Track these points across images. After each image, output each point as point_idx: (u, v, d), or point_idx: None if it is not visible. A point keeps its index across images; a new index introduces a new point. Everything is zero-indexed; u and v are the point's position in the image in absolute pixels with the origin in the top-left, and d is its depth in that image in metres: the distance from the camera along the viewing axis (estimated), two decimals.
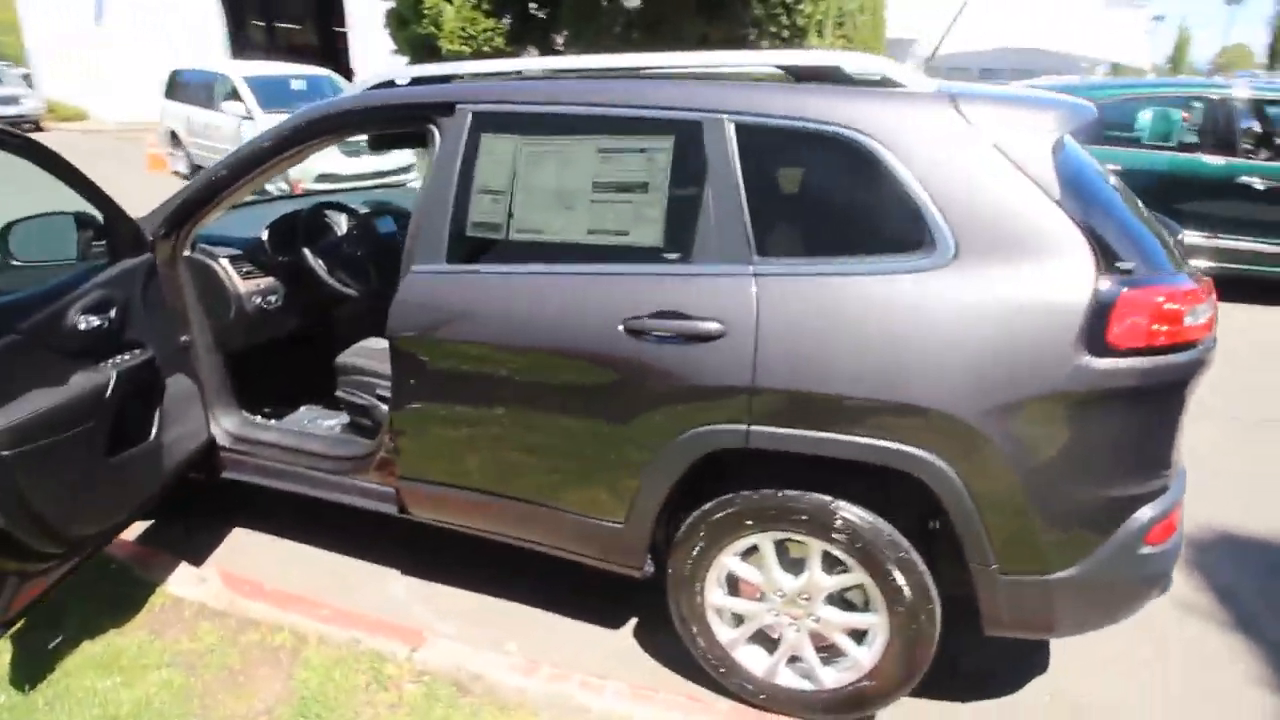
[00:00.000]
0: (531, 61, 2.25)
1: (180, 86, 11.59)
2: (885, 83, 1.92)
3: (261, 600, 2.39)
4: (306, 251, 2.77)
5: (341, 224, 2.93)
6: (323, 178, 9.52)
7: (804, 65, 1.99)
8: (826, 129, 1.82)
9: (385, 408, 2.63)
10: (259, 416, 2.86)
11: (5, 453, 1.80)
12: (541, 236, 2.06)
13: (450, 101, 2.15)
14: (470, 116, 2.12)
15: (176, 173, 11.45)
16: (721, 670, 2.13)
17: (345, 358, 2.74)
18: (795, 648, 2.05)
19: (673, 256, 1.92)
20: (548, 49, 11.11)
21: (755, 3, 9.21)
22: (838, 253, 1.81)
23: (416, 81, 2.36)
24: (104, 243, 2.33)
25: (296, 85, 10.74)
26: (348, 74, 16.00)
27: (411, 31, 10.82)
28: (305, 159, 2.51)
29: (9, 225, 2.19)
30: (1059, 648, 2.35)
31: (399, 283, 2.20)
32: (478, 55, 10.56)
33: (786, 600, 2.01)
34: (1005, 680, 2.24)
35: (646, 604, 2.49)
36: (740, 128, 1.87)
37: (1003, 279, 1.70)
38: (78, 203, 2.25)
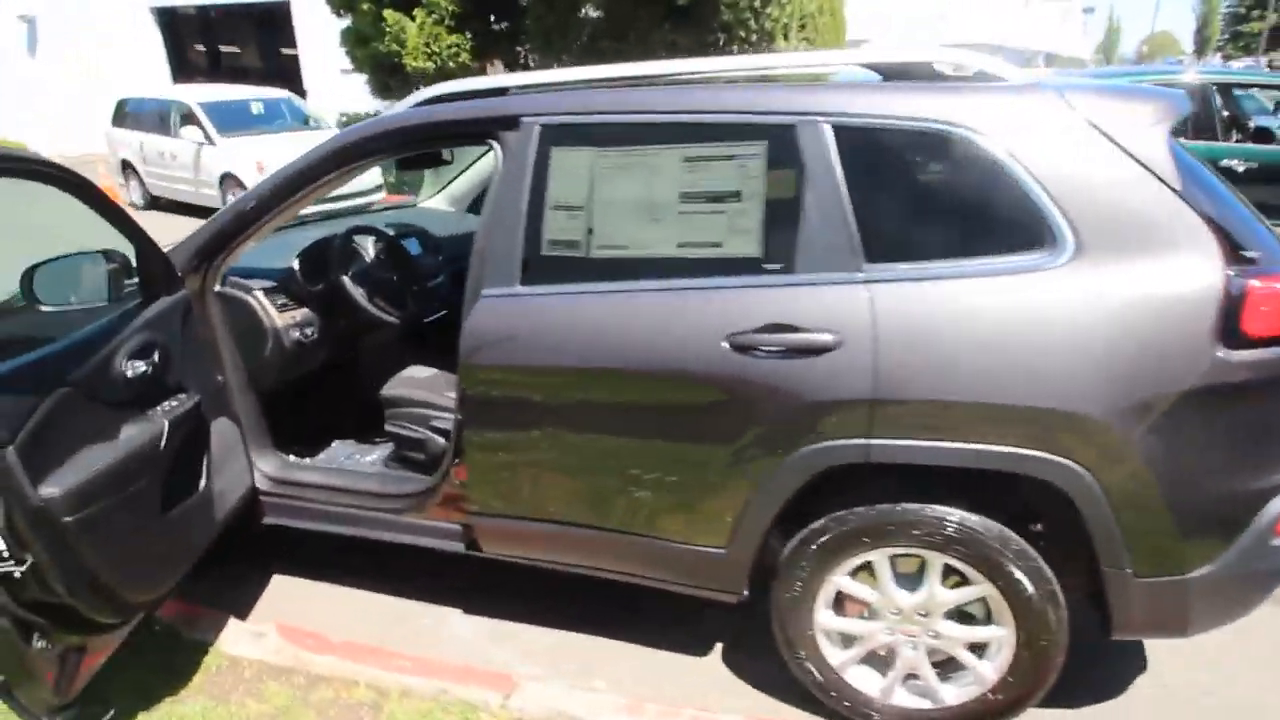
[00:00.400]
0: (588, 71, 2.14)
1: (129, 115, 11.16)
2: (981, 77, 1.87)
3: (329, 653, 2.23)
4: (346, 279, 2.61)
5: (369, 248, 2.78)
6: None
7: (892, 63, 1.93)
8: (931, 127, 1.76)
9: (442, 440, 2.50)
10: (292, 456, 2.69)
11: (67, 519, 1.63)
12: (626, 252, 1.96)
13: (514, 115, 2.04)
14: (538, 129, 2.01)
15: (131, 204, 11.00)
16: (832, 694, 2.04)
17: (393, 389, 2.59)
18: (912, 666, 1.98)
19: (774, 267, 1.84)
20: (514, 62, 10.99)
21: (724, 8, 9.22)
22: (951, 255, 1.75)
23: (431, 101, 2.25)
24: (135, 281, 2.16)
25: (255, 109, 10.42)
26: (301, 96, 15.66)
27: (373, 49, 10.61)
28: (343, 184, 2.37)
29: (33, 268, 2.01)
30: (1153, 643, 2.32)
31: (465, 308, 2.08)
32: (442, 71, 10.39)
33: (903, 617, 1.94)
34: (1108, 678, 2.20)
35: (728, 627, 2.40)
36: (839, 130, 1.80)
37: (1128, 275, 1.65)
38: (81, 237, 2.09)
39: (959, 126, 1.74)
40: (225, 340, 2.42)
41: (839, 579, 1.95)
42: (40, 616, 1.66)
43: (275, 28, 20.43)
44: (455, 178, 3.75)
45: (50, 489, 1.60)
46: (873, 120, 1.80)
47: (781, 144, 1.83)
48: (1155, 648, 2.29)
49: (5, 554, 1.55)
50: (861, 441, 1.76)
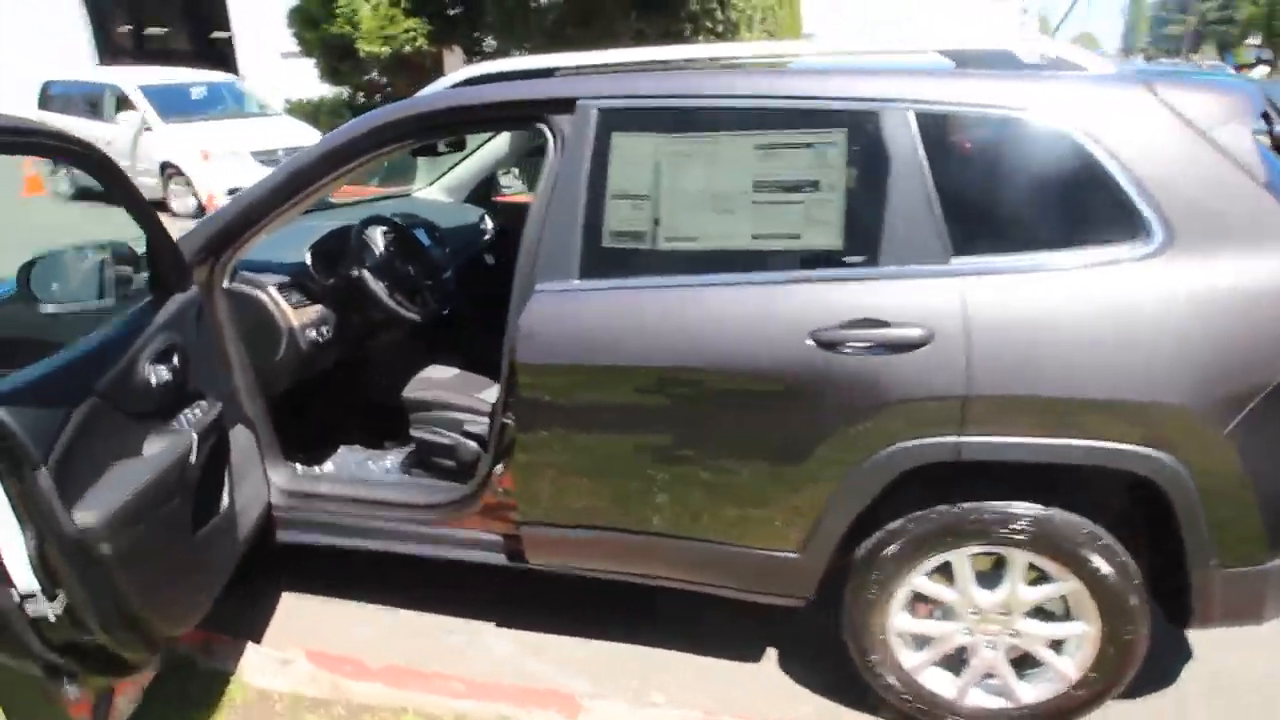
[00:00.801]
0: (645, 51, 2.03)
1: (56, 98, 10.45)
2: (1060, 65, 1.83)
3: (369, 680, 2.07)
4: (367, 274, 2.43)
5: (378, 240, 2.60)
6: (235, 191, 8.80)
7: (971, 51, 1.87)
8: (1019, 116, 1.70)
9: (474, 445, 2.36)
10: (299, 466, 2.51)
11: (105, 548, 1.44)
12: (696, 244, 1.85)
13: (569, 97, 1.91)
14: (596, 113, 1.88)
15: (57, 193, 10.32)
16: (906, 698, 1.99)
17: (418, 392, 2.43)
18: (989, 666, 1.94)
19: (857, 260, 1.76)
20: (473, 49, 10.71)
21: None
22: (1040, 246, 1.70)
23: (470, 82, 2.10)
24: (143, 277, 1.95)
25: (197, 93, 9.89)
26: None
27: (324, 31, 10.18)
28: (366, 171, 2.19)
29: (30, 263, 1.80)
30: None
31: (515, 304, 1.95)
32: (398, 55, 10.05)
33: (982, 617, 1.89)
34: (1157, 666, 2.20)
35: (778, 632, 2.33)
36: (923, 117, 1.73)
37: (1219, 266, 1.63)
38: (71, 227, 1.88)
39: (1045, 115, 1.69)
40: (234, 341, 2.23)
41: (917, 580, 1.89)
42: (69, 658, 1.48)
43: (206, 8, 19.49)
44: (452, 167, 3.57)
45: (85, 515, 1.41)
46: (957, 107, 1.74)
47: (862, 131, 1.76)
48: (1200, 634, 2.31)
49: (38, 591, 1.36)
50: (953, 439, 1.70)
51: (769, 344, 1.76)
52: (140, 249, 1.98)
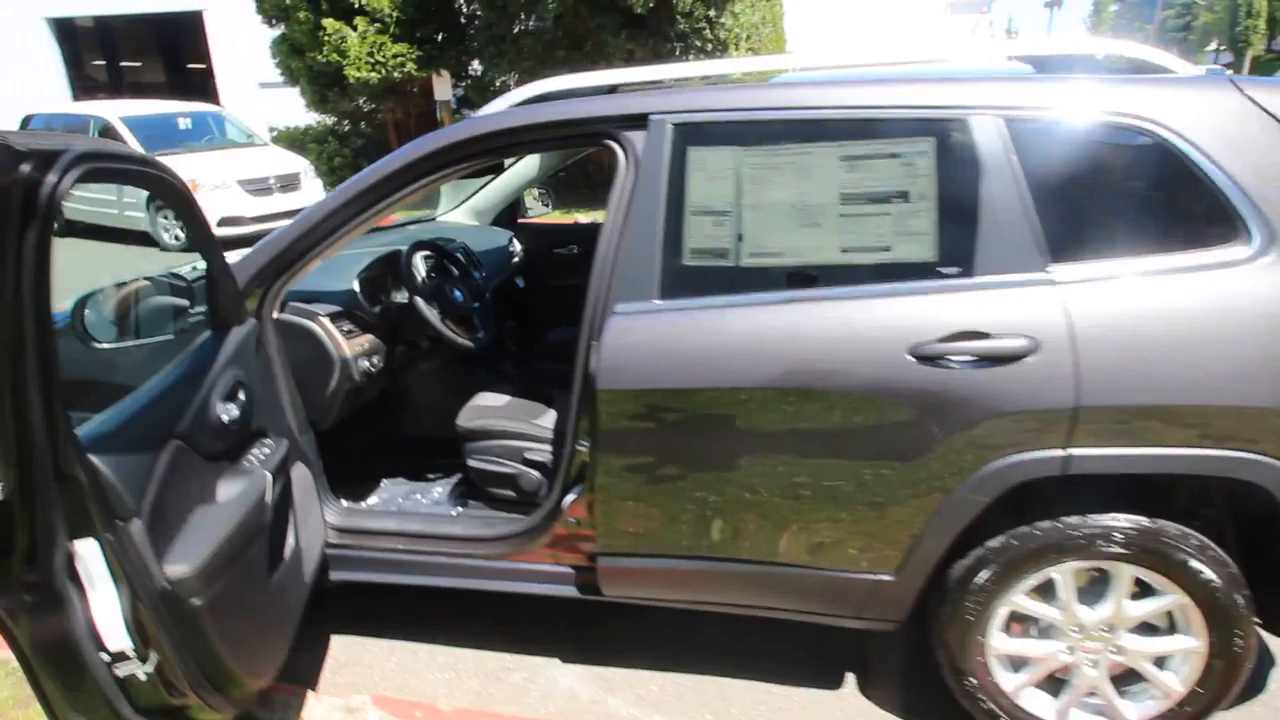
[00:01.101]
0: (710, 66, 1.99)
1: None
2: (1146, 69, 1.81)
3: None
4: (420, 300, 2.35)
5: (420, 265, 2.53)
6: (226, 221, 8.69)
7: (1049, 56, 1.85)
8: (1110, 120, 1.68)
9: (536, 474, 2.29)
10: (344, 501, 2.42)
11: (196, 602, 1.35)
12: (782, 260, 1.80)
13: (640, 113, 1.86)
14: (671, 129, 1.83)
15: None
16: None
17: (474, 420, 2.35)
18: (1091, 685, 1.88)
19: (952, 270, 1.72)
20: (461, 73, 10.69)
21: (680, 18, 9.18)
22: (1139, 252, 1.67)
23: (531, 101, 2.05)
24: (198, 310, 1.87)
25: (183, 124, 9.76)
26: None
27: (310, 59, 10.11)
28: (424, 195, 2.13)
29: (83, 299, 1.71)
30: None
31: (588, 327, 1.89)
32: (387, 81, 10.00)
33: (1085, 634, 1.84)
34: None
35: (853, 656, 2.27)
36: (1013, 124, 1.70)
37: None
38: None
39: (1138, 119, 1.67)
40: (285, 373, 2.14)
41: (1018, 598, 1.83)
42: None
43: (182, 40, 19.37)
44: (478, 190, 3.51)
45: (176, 567, 1.32)
46: (1046, 113, 1.71)
47: (951, 140, 1.72)
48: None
49: (130, 650, 1.26)
50: (1060, 453, 1.66)
51: (865, 360, 1.71)
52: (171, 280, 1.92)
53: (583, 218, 8.38)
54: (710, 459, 1.83)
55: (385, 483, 2.71)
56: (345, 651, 2.39)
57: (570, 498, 2.02)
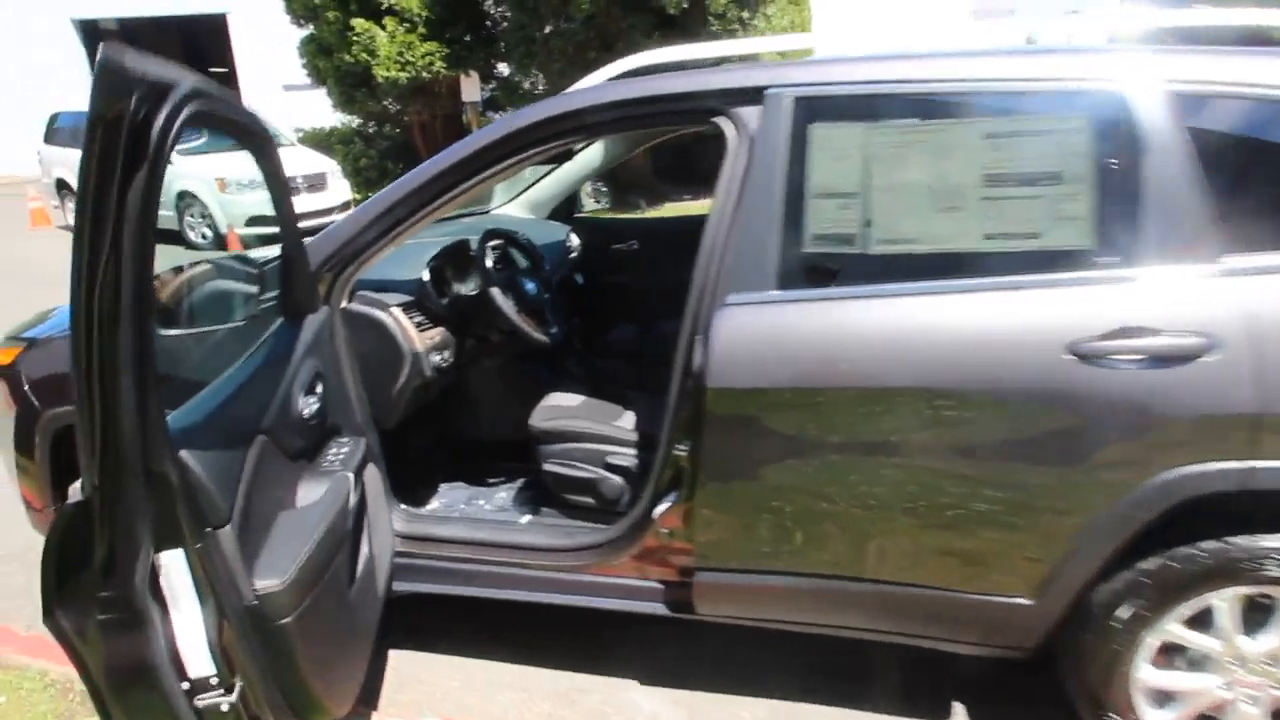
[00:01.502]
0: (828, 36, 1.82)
1: (65, 130, 10.24)
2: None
3: None
4: (495, 291, 2.19)
5: (501, 255, 2.37)
6: (253, 221, 8.59)
7: (1226, 28, 1.68)
8: None
9: (618, 480, 2.12)
10: (404, 506, 2.25)
11: (285, 621, 1.18)
12: (916, 247, 1.63)
13: (756, 86, 1.70)
14: (790, 103, 1.67)
15: (65, 227, 10.07)
16: None
17: (549, 422, 2.18)
18: None
19: (1112, 260, 1.54)
20: (489, 73, 10.58)
21: (712, 19, 9.04)
22: None
23: (631, 74, 1.90)
24: (269, 294, 1.71)
25: None
26: None
27: (338, 60, 10.02)
28: (507, 178, 1.97)
29: None
30: None
31: (694, 320, 1.72)
32: (416, 81, 9.91)
33: (1246, 668, 1.65)
34: None
35: (956, 683, 2.08)
36: (1185, 99, 1.52)
37: None
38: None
39: None
40: (352, 368, 1.98)
41: (1171, 627, 1.65)
42: None
43: (205, 43, 19.42)
44: (535, 182, 3.35)
45: (266, 581, 1.16)
46: (1224, 88, 1.53)
47: (1112, 116, 1.55)
48: None
49: (214, 679, 1.10)
50: (1241, 465, 1.47)
51: (1016, 359, 1.53)
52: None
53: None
54: (832, 466, 1.66)
55: (444, 486, 2.55)
56: (406, 668, 2.22)
57: (663, 506, 1.84)
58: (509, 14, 9.62)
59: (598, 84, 1.87)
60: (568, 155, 2.98)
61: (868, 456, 1.63)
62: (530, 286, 2.38)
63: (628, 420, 2.21)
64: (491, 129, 1.87)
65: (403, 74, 9.58)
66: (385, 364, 2.04)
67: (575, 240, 3.30)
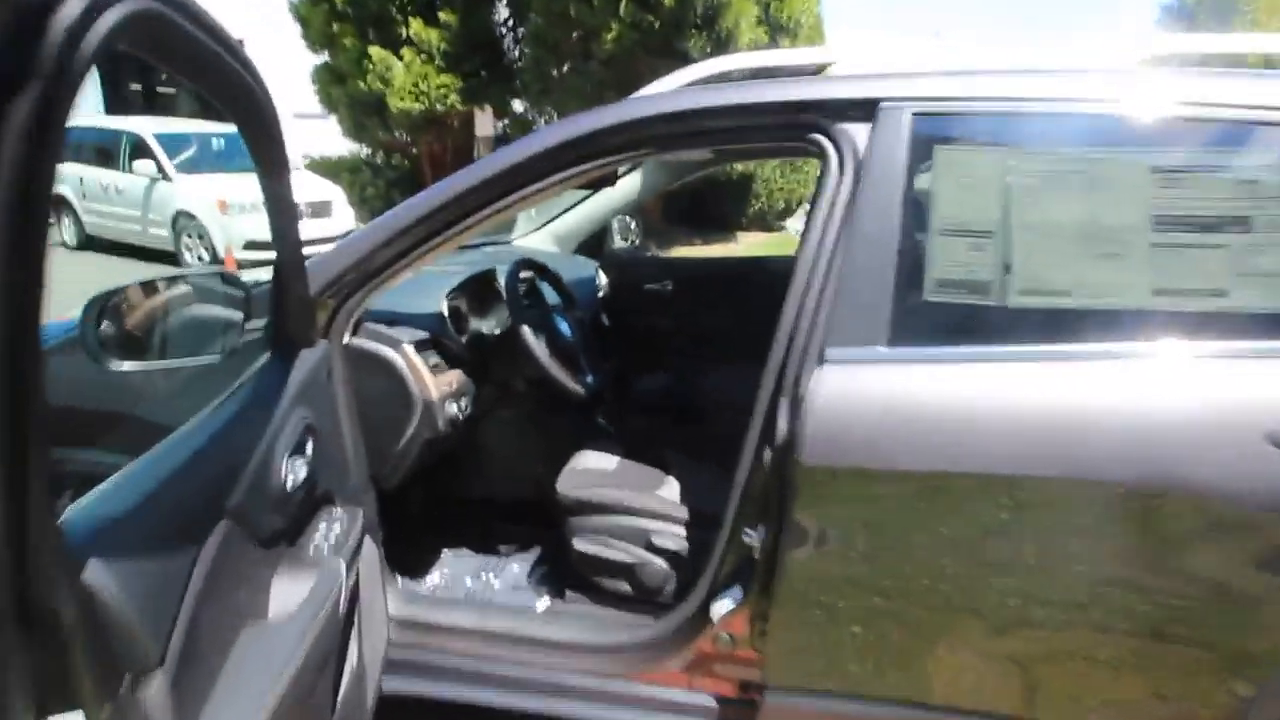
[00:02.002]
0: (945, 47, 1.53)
1: (65, 146, 9.99)
2: None
3: None
4: (527, 332, 1.85)
5: (532, 289, 2.04)
6: (252, 245, 8.29)
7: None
8: None
9: (663, 565, 1.76)
10: (399, 578, 1.89)
11: None
12: (1068, 301, 1.31)
13: (868, 98, 1.39)
14: (910, 120, 1.36)
15: (63, 243, 9.76)
16: None
17: (581, 490, 1.83)
18: None
19: None
20: (505, 108, 10.43)
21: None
22: None
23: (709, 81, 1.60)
24: (256, 323, 1.38)
25: (216, 144, 9.46)
26: None
27: (352, 88, 9.87)
28: (550, 198, 1.66)
29: (100, 301, 1.22)
30: None
31: (781, 373, 1.39)
32: (429, 113, 9.74)
33: None
34: None
35: None
36: None
37: None
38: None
39: None
40: (352, 417, 1.64)
41: None
42: None
43: None
44: (561, 214, 3.06)
45: None
46: None
47: None
48: None
49: None
50: None
51: (1199, 447, 1.20)
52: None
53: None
54: (964, 572, 1.31)
55: (447, 553, 2.18)
56: None
57: (725, 604, 1.49)
58: (528, 49, 9.50)
59: (670, 90, 1.57)
60: (610, 180, 2.68)
61: (1010, 563, 1.29)
62: (564, 327, 2.05)
63: (671, 490, 1.87)
64: (539, 137, 1.56)
65: (417, 104, 9.42)
66: (391, 412, 1.70)
67: (604, 278, 2.99)
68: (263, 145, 1.07)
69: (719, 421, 2.48)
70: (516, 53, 10.09)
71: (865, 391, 1.31)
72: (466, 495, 2.27)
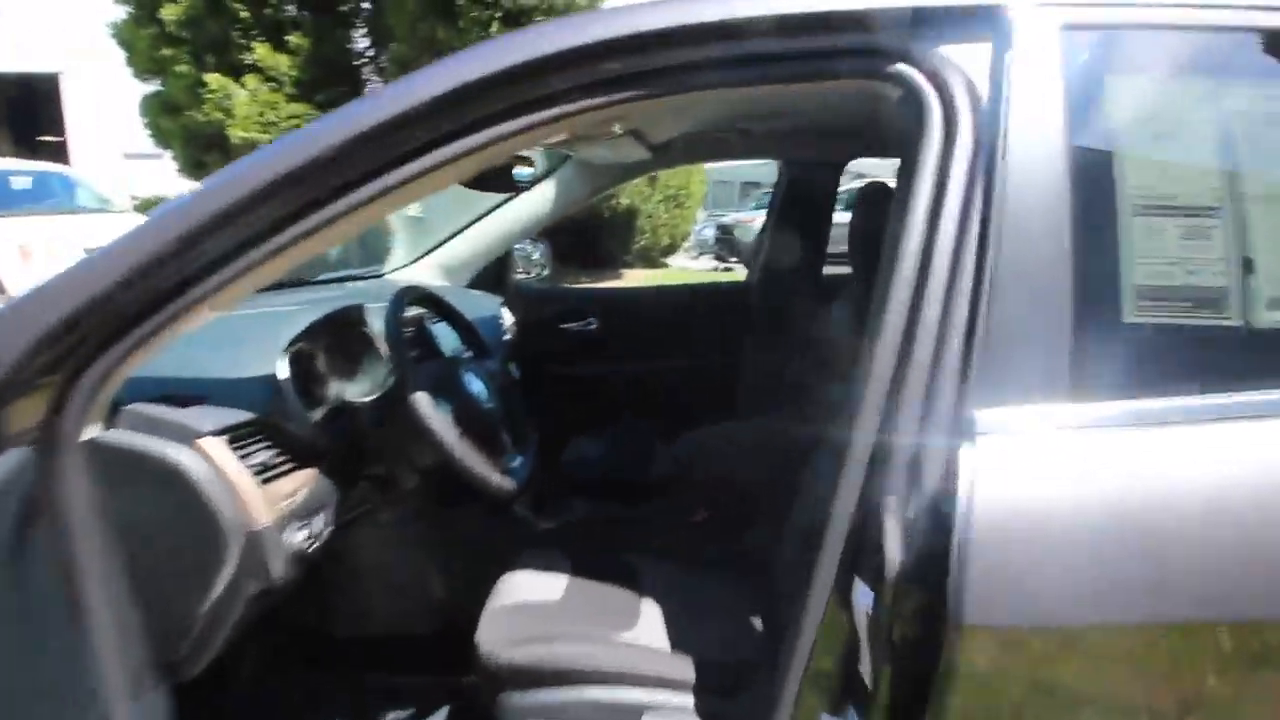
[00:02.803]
0: None
1: None
2: None
3: None
4: (421, 398, 1.16)
5: (423, 334, 1.37)
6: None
7: None
8: None
9: None
10: None
11: None
12: None
13: (986, 4, 0.85)
14: (1061, 35, 0.83)
15: None
16: None
17: (516, 649, 1.15)
18: None
19: None
20: None
21: None
22: None
23: None
24: None
25: (19, 182, 8.07)
26: None
27: (186, 119, 8.75)
28: (435, 188, 1.01)
29: None
30: None
31: (872, 457, 0.81)
32: None
33: None
34: None
35: None
36: None
37: None
38: None
39: None
40: (103, 575, 0.90)
41: None
42: None
43: (33, 110, 17.35)
44: (449, 239, 2.39)
45: None
46: None
47: None
48: None
49: None
50: None
51: None
52: None
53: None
54: None
55: None
56: None
57: None
58: (391, 78, 8.75)
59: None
60: (506, 187, 2.06)
61: None
62: (475, 387, 1.37)
63: (652, 624, 1.23)
64: (430, 74, 0.93)
65: (264, 135, 8.41)
66: (184, 557, 0.98)
67: (509, 317, 2.34)
68: None
69: (686, 496, 1.88)
70: (379, 82, 9.31)
71: (1058, 481, 0.74)
72: (330, 652, 1.53)
